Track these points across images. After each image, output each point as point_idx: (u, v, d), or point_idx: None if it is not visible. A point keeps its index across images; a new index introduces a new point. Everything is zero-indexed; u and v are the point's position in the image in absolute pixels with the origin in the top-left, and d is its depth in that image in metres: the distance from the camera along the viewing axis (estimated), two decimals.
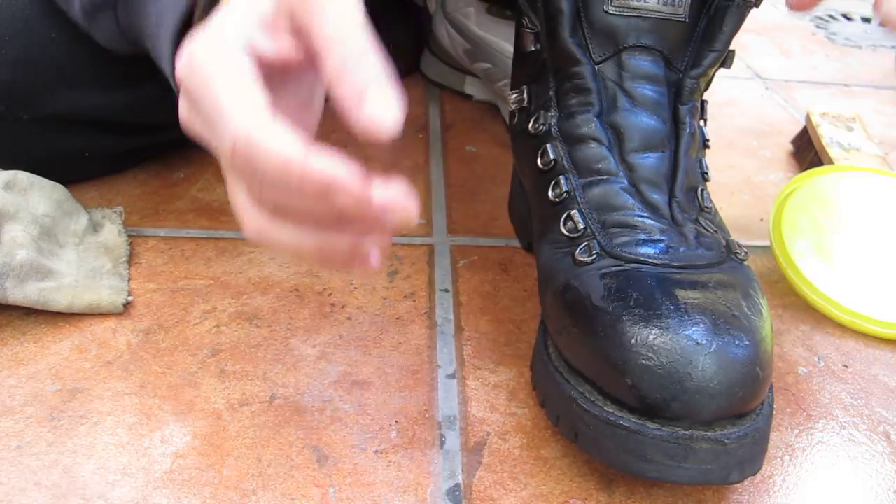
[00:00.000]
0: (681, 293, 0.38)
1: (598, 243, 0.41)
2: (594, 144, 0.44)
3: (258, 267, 0.54)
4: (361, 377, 0.45)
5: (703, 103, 0.48)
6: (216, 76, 0.33)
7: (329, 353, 0.47)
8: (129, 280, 0.51)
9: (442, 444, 0.42)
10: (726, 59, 0.47)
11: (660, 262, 0.40)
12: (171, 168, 0.63)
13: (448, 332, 0.49)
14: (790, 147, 0.76)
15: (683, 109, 0.45)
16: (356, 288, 0.52)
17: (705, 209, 0.44)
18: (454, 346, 0.48)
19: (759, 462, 0.38)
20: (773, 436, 0.44)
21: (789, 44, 1.08)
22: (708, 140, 0.47)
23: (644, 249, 0.40)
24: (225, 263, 0.54)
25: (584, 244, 0.41)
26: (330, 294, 0.52)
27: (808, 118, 0.73)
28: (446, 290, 0.53)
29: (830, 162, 0.66)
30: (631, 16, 0.44)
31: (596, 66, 0.45)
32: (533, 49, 0.47)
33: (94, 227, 0.54)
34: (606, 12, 0.44)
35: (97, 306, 0.48)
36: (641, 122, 0.44)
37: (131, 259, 0.53)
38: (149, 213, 0.58)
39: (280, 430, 0.42)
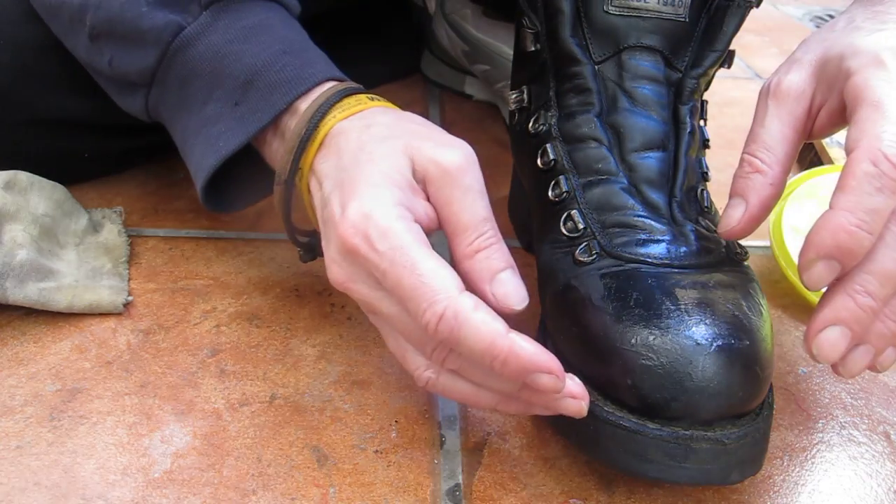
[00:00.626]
0: (681, 293, 0.38)
1: (598, 243, 0.41)
2: (594, 144, 0.44)
3: (258, 267, 0.54)
4: (361, 377, 0.45)
5: (704, 103, 0.48)
6: (409, 248, 0.35)
7: (329, 353, 0.47)
8: (129, 280, 0.51)
9: (442, 444, 0.42)
10: (727, 59, 0.47)
11: (659, 262, 0.40)
12: (171, 168, 0.63)
13: None
14: None
15: (684, 109, 0.45)
16: None
17: (705, 209, 0.44)
18: None
19: (760, 462, 0.38)
20: (773, 436, 0.44)
21: (789, 44, 1.08)
22: (708, 140, 0.47)
23: (644, 249, 0.40)
24: (225, 263, 0.54)
25: (584, 244, 0.41)
26: (330, 294, 0.52)
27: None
28: None
29: (830, 162, 0.66)
30: (631, 16, 0.44)
31: (596, 66, 0.45)
32: (533, 49, 0.47)
33: (94, 227, 0.54)
34: (606, 12, 0.44)
35: (97, 306, 0.48)
36: (641, 122, 0.44)
37: (131, 259, 0.53)
38: (149, 213, 0.58)
39: (280, 430, 0.42)
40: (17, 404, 0.42)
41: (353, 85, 0.44)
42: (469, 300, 0.34)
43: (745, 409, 0.37)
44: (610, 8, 0.44)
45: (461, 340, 0.34)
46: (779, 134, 0.38)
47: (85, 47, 0.49)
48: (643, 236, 0.41)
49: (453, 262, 0.37)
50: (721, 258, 0.41)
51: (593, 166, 0.44)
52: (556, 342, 0.41)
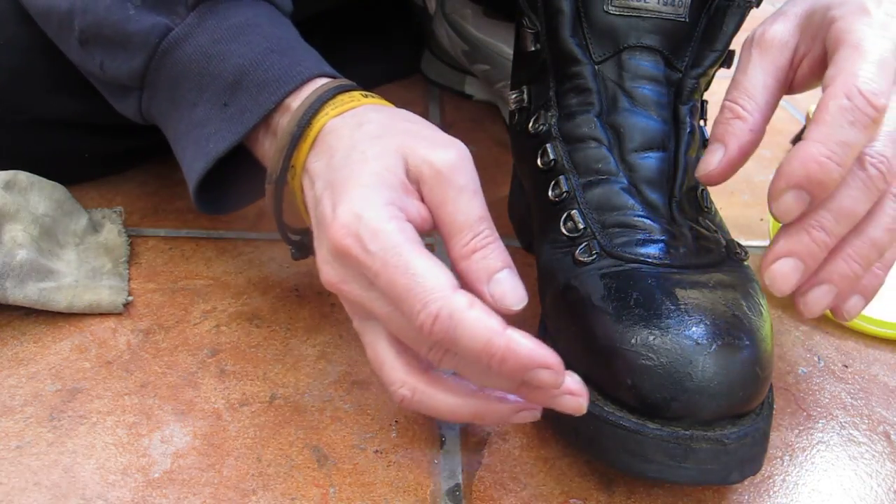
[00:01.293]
0: (681, 293, 0.38)
1: (598, 243, 0.41)
2: (594, 144, 0.44)
3: (258, 267, 0.54)
4: (361, 377, 0.45)
5: (704, 103, 0.48)
6: (401, 248, 0.34)
7: (329, 353, 0.47)
8: (129, 280, 0.51)
9: (442, 444, 0.42)
10: (727, 59, 0.47)
11: (659, 262, 0.40)
12: (171, 168, 0.63)
13: None
14: (790, 147, 0.76)
15: (684, 109, 0.45)
16: None
17: (705, 209, 0.44)
18: None
19: (760, 462, 0.38)
20: (773, 436, 0.44)
21: None
22: (708, 139, 0.47)
23: (644, 249, 0.40)
24: (225, 263, 0.54)
25: (584, 244, 0.41)
26: (330, 294, 0.52)
27: (807, 118, 0.73)
28: None
29: None
30: (631, 16, 0.44)
31: (596, 66, 0.45)
32: (533, 49, 0.47)
33: (94, 227, 0.54)
34: (606, 12, 0.44)
35: (97, 306, 0.48)
36: (641, 122, 0.44)
37: (131, 259, 0.53)
38: (149, 213, 0.58)
39: (280, 430, 0.42)
40: (17, 404, 0.42)
41: (346, 81, 0.44)
42: (463, 298, 0.33)
43: (746, 409, 0.37)
44: (610, 8, 0.44)
45: (457, 340, 0.33)
46: (761, 82, 0.38)
47: (76, 52, 0.49)
48: (643, 236, 0.41)
49: (450, 264, 0.37)
50: (721, 258, 0.41)
51: (593, 166, 0.44)
52: (556, 342, 0.41)
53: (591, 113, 0.44)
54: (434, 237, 0.58)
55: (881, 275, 0.37)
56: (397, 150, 0.38)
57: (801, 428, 0.45)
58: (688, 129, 0.44)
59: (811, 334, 0.52)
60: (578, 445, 0.39)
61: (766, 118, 0.39)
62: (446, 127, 0.74)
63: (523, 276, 0.38)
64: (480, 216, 0.38)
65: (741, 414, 0.37)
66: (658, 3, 0.44)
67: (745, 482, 0.41)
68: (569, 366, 0.40)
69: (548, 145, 0.45)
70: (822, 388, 0.48)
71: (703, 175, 0.39)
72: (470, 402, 0.37)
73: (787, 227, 0.35)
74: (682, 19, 0.44)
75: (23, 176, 0.52)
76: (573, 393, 0.35)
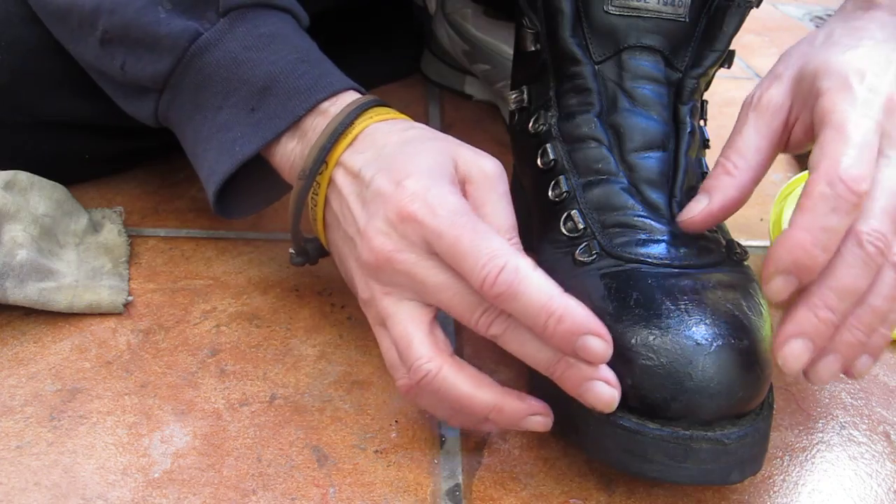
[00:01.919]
0: (681, 293, 0.38)
1: (598, 243, 0.41)
2: (594, 144, 0.44)
3: (258, 267, 0.54)
4: (361, 377, 0.45)
5: (704, 103, 0.48)
6: (468, 214, 0.37)
7: (329, 353, 0.47)
8: (129, 280, 0.51)
9: (442, 444, 0.42)
10: (727, 59, 0.47)
11: (659, 262, 0.40)
12: (172, 168, 0.63)
13: (448, 332, 0.49)
14: (792, 160, 0.76)
15: (684, 109, 0.45)
16: None
17: None
18: (454, 346, 0.48)
19: (760, 462, 0.38)
20: (773, 436, 0.44)
21: (789, 44, 1.08)
22: (708, 140, 0.47)
23: (644, 249, 0.40)
24: (225, 263, 0.54)
25: (583, 244, 0.41)
26: (330, 294, 0.52)
27: None
28: None
29: None
30: (631, 15, 0.44)
31: (596, 66, 0.45)
32: (533, 49, 0.47)
33: (94, 227, 0.54)
34: (607, 12, 0.44)
35: (97, 306, 0.48)
36: (641, 122, 0.44)
37: (131, 259, 0.53)
38: (149, 213, 0.58)
39: (280, 430, 0.42)
40: (17, 404, 0.42)
41: (379, 99, 0.46)
42: (528, 260, 0.35)
43: (746, 409, 0.37)
44: (610, 8, 0.44)
45: (519, 294, 0.34)
46: (754, 144, 0.40)
47: (94, 52, 0.49)
48: (643, 236, 0.41)
49: None
50: (721, 258, 0.41)
51: (593, 166, 0.44)
52: None
53: (592, 113, 0.44)
54: None
55: (886, 334, 0.38)
56: (447, 152, 0.41)
57: (801, 428, 0.45)
58: (688, 129, 0.44)
59: None
60: (580, 445, 0.39)
61: (755, 179, 0.40)
62: (446, 127, 0.74)
63: None
64: (513, 224, 0.40)
65: (741, 414, 0.37)
66: (658, 3, 0.44)
67: (746, 482, 0.41)
68: None
69: (548, 145, 0.45)
70: (822, 388, 0.48)
71: (682, 221, 0.41)
72: (489, 393, 0.37)
73: (792, 307, 0.37)
74: (683, 19, 0.44)
75: (23, 176, 0.52)
76: (608, 381, 0.35)
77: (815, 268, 0.35)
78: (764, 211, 0.65)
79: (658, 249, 0.40)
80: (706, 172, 0.46)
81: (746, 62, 0.99)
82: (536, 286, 0.34)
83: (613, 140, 0.44)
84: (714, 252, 0.41)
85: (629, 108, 0.44)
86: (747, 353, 0.36)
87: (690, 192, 0.44)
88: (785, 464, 0.42)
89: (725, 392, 0.36)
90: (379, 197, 0.39)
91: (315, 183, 0.43)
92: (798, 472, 0.42)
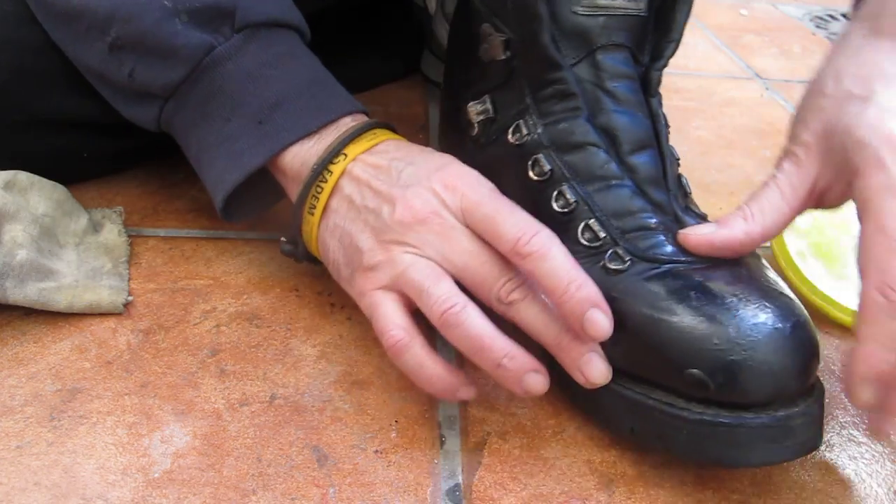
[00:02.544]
0: (730, 285, 0.39)
1: (627, 249, 0.41)
2: (592, 150, 0.43)
3: (258, 267, 0.54)
4: (361, 377, 0.45)
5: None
6: (505, 197, 0.41)
7: (329, 353, 0.47)
8: (129, 280, 0.51)
9: (442, 444, 0.42)
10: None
11: (688, 259, 0.40)
12: (172, 168, 0.63)
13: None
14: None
15: (654, 102, 0.45)
16: None
17: (689, 194, 0.45)
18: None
19: (820, 438, 0.40)
20: None
21: (789, 44, 1.08)
22: (668, 125, 0.47)
23: (671, 249, 0.41)
24: (225, 263, 0.54)
25: (609, 252, 0.41)
26: (330, 294, 0.52)
27: None
28: None
29: None
30: (600, 14, 0.44)
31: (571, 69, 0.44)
32: (502, 57, 0.46)
33: (94, 227, 0.54)
34: (575, 13, 0.43)
35: (97, 306, 0.48)
36: (629, 121, 0.44)
37: (131, 259, 0.53)
38: (149, 213, 0.58)
39: (280, 430, 0.42)
40: (17, 404, 0.42)
41: (363, 107, 0.49)
42: (556, 238, 0.39)
43: (813, 380, 0.39)
44: (578, 8, 0.43)
45: (549, 257, 0.38)
46: (776, 205, 0.41)
47: (100, 56, 0.49)
48: (663, 237, 0.41)
49: None
50: None
51: (597, 172, 0.43)
52: (610, 355, 0.40)
53: (581, 118, 0.44)
54: None
55: None
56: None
57: None
58: (662, 122, 0.45)
59: None
60: (672, 452, 0.40)
61: (765, 236, 0.41)
62: None
63: None
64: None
65: (801, 391, 0.38)
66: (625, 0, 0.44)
67: (746, 482, 0.41)
68: (631, 375, 0.40)
69: (539, 155, 0.44)
70: None
71: (681, 239, 0.41)
72: (506, 341, 0.39)
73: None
74: (643, 14, 0.44)
75: (23, 176, 0.52)
76: (600, 364, 0.39)
77: (893, 371, 0.36)
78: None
79: (680, 248, 0.41)
80: (678, 159, 0.46)
81: (746, 62, 0.99)
82: (564, 254, 0.39)
83: (609, 143, 0.44)
84: None
85: (614, 108, 0.44)
86: (805, 327, 0.38)
87: (677, 181, 0.45)
88: (785, 464, 0.42)
89: (804, 367, 0.38)
90: (415, 177, 0.42)
91: (326, 171, 0.45)
92: (798, 472, 0.42)
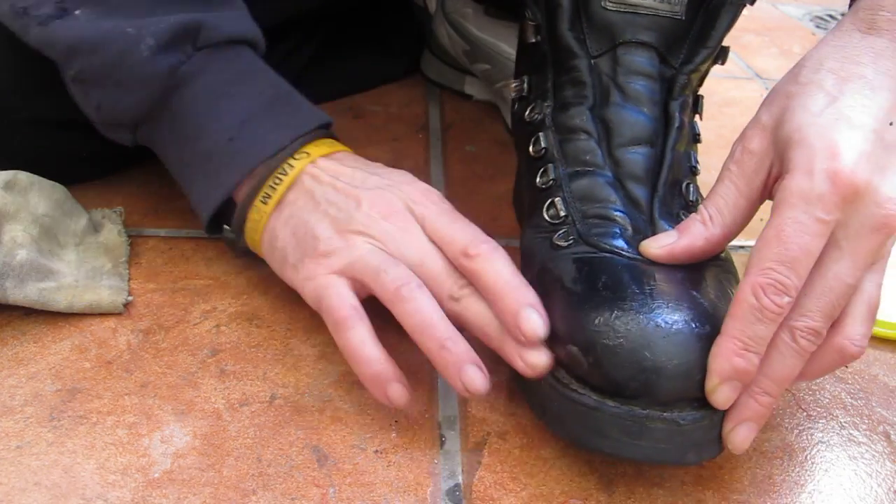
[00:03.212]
0: (648, 280, 0.39)
1: (577, 230, 0.42)
2: (584, 137, 0.45)
3: (258, 267, 0.54)
4: None
5: (699, 98, 0.48)
6: (460, 217, 0.45)
7: (329, 353, 0.47)
8: (129, 280, 0.51)
9: (442, 444, 0.42)
10: (720, 56, 0.47)
11: (631, 255, 0.41)
12: None
13: None
14: None
15: (674, 105, 0.45)
16: None
17: (690, 203, 0.45)
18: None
19: (718, 446, 0.39)
20: (773, 436, 0.44)
21: (789, 44, 1.08)
22: (699, 135, 0.48)
23: (618, 242, 0.41)
24: (225, 263, 0.54)
25: (563, 230, 0.42)
26: None
27: None
28: None
29: None
30: (628, 12, 0.44)
31: (592, 61, 0.45)
32: (534, 41, 0.48)
33: (94, 227, 0.54)
34: (604, 8, 0.45)
35: (97, 306, 0.48)
36: (631, 117, 0.44)
37: (131, 259, 0.53)
38: (149, 213, 0.58)
39: (280, 430, 0.42)
40: (17, 404, 0.42)
41: (328, 118, 0.50)
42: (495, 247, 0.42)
43: (705, 394, 0.38)
44: (608, 4, 0.44)
45: (494, 261, 0.40)
46: (732, 201, 0.41)
47: (69, 86, 0.49)
48: (619, 230, 0.42)
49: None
50: None
51: (581, 157, 0.44)
52: None
53: (584, 105, 0.45)
54: None
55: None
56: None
57: (801, 428, 0.45)
58: (676, 125, 0.45)
59: None
60: (546, 421, 0.41)
61: (727, 236, 0.41)
62: (446, 127, 0.74)
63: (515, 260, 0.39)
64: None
65: (701, 398, 0.37)
66: (655, 0, 0.44)
67: (746, 482, 0.41)
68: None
69: (540, 134, 0.46)
70: (822, 388, 0.48)
71: (643, 250, 0.41)
72: (448, 324, 0.41)
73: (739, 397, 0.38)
74: (679, 17, 0.45)
75: (23, 176, 0.52)
76: (540, 352, 0.39)
77: (753, 371, 0.37)
78: (764, 211, 0.65)
79: (633, 244, 0.41)
80: (695, 167, 0.47)
81: (746, 62, 0.99)
82: (507, 261, 0.41)
83: (602, 134, 0.45)
84: None
85: (620, 102, 0.45)
86: (708, 340, 0.37)
87: (675, 187, 0.44)
88: (785, 464, 0.42)
89: (683, 375, 0.36)
90: (381, 184, 0.45)
91: (287, 164, 0.46)
92: (798, 472, 0.42)
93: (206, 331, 0.48)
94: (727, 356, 0.36)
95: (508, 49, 0.70)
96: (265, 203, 0.46)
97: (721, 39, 0.46)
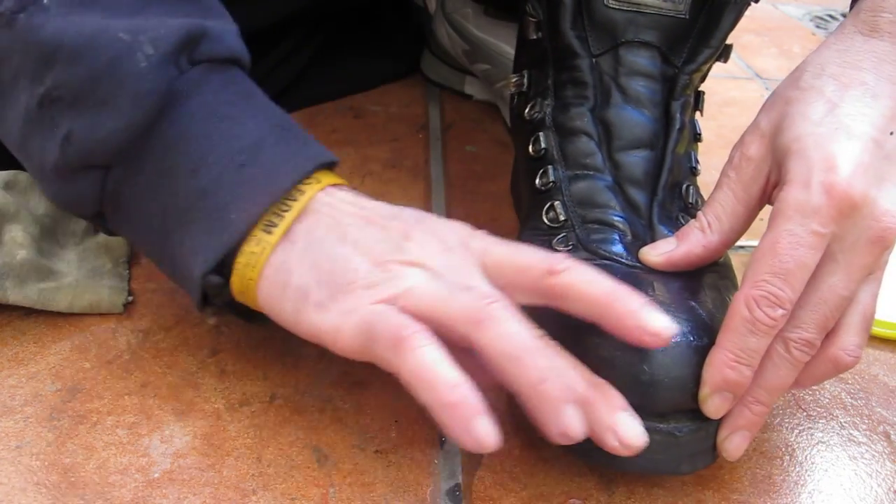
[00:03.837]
0: (646, 289, 0.38)
1: (576, 236, 0.42)
2: (585, 139, 0.44)
3: None
4: (361, 377, 0.45)
5: (700, 94, 0.48)
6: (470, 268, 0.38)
7: (329, 354, 0.47)
8: (129, 280, 0.51)
9: (442, 444, 0.42)
10: (723, 54, 0.47)
11: (630, 263, 0.40)
12: None
13: None
14: None
15: (675, 105, 0.45)
16: None
17: (690, 205, 0.44)
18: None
19: (712, 455, 0.39)
20: (773, 436, 0.44)
21: (789, 44, 1.08)
22: (700, 133, 0.48)
23: (617, 248, 0.41)
24: None
25: (562, 235, 0.42)
26: None
27: None
28: None
29: None
30: (630, 10, 0.44)
31: (594, 60, 0.45)
32: (534, 37, 0.47)
33: (94, 227, 0.54)
34: (606, 6, 0.44)
35: (97, 306, 0.48)
36: (631, 119, 0.44)
37: (131, 259, 0.53)
38: None
39: (280, 430, 0.42)
40: (17, 404, 0.42)
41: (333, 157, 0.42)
42: (510, 306, 0.35)
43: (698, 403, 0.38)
44: (611, 2, 0.44)
45: (582, 273, 0.36)
46: (730, 208, 0.40)
47: (24, 118, 0.38)
48: (618, 236, 0.41)
49: None
50: None
51: (581, 160, 0.44)
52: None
53: (585, 106, 0.45)
54: None
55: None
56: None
57: (801, 428, 0.45)
58: (677, 126, 0.45)
59: None
60: (543, 433, 0.40)
61: (726, 243, 0.41)
62: (446, 127, 0.74)
63: None
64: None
65: (697, 408, 0.37)
66: None
67: (746, 482, 0.41)
68: None
69: (540, 134, 0.46)
70: (822, 387, 0.48)
71: (643, 257, 0.41)
72: (458, 374, 0.34)
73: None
74: (683, 16, 0.44)
75: (23, 176, 0.52)
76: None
77: (745, 383, 0.36)
78: (764, 211, 0.65)
79: (632, 250, 0.41)
80: (695, 167, 0.46)
81: (746, 62, 0.99)
82: (588, 268, 0.36)
83: (603, 136, 0.44)
84: None
85: (621, 103, 0.44)
86: (704, 352, 0.37)
87: (675, 189, 0.44)
88: (785, 464, 0.42)
89: (680, 388, 0.36)
90: (423, 215, 0.40)
91: (296, 189, 0.38)
92: (798, 472, 0.42)
93: (206, 331, 0.48)
94: (719, 368, 0.36)
95: (508, 49, 0.70)
96: (269, 233, 0.37)
97: (724, 39, 0.46)
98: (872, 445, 0.44)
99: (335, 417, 0.43)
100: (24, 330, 0.47)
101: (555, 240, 0.42)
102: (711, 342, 0.37)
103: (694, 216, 0.43)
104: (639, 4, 0.44)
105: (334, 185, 0.40)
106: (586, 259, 0.40)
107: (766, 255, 0.36)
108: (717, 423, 0.38)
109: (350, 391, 0.44)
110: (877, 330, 0.52)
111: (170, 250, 0.40)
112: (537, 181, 0.45)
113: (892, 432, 0.45)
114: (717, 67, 0.49)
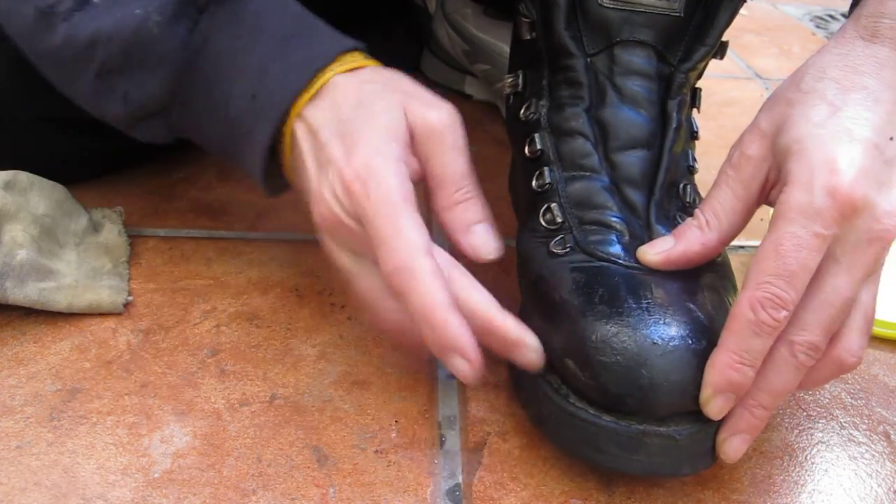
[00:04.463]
0: (645, 292, 0.38)
1: (574, 237, 0.42)
2: (581, 139, 0.44)
3: (258, 267, 0.54)
4: (361, 377, 0.45)
5: (696, 91, 0.48)
6: (396, 203, 0.39)
7: (329, 353, 0.47)
8: (129, 280, 0.51)
9: (442, 444, 0.42)
10: (719, 51, 0.47)
11: (629, 263, 0.40)
12: (171, 168, 0.63)
13: None
14: None
15: (672, 104, 0.45)
16: None
17: (687, 204, 0.44)
18: None
19: (712, 457, 0.39)
20: (774, 436, 0.44)
21: (789, 44, 1.08)
22: (697, 131, 0.47)
23: (615, 249, 0.41)
24: (225, 263, 0.54)
25: (559, 237, 0.42)
26: (330, 294, 0.52)
27: None
28: None
29: None
30: (625, 9, 0.44)
31: (588, 59, 0.45)
32: (528, 38, 0.47)
33: (94, 227, 0.54)
34: (601, 5, 0.44)
35: (97, 306, 0.48)
36: (628, 118, 0.44)
37: (131, 259, 0.53)
38: (149, 213, 0.58)
39: (280, 430, 0.42)
40: (17, 404, 0.42)
41: (351, 42, 0.46)
42: (429, 265, 0.37)
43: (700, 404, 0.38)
44: (605, 1, 0.44)
45: (410, 294, 0.37)
46: (729, 206, 0.40)
47: (91, 87, 0.47)
48: (616, 237, 0.41)
49: (434, 213, 0.42)
50: None
51: (577, 161, 0.44)
52: (531, 328, 0.41)
53: (581, 107, 0.45)
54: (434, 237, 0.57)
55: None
56: (398, 108, 0.41)
57: (801, 428, 0.45)
58: (674, 125, 0.45)
59: None
60: (545, 433, 0.41)
61: (724, 241, 0.41)
62: None
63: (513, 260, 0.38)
64: (465, 173, 0.42)
65: (696, 411, 0.37)
66: None
67: (746, 482, 0.41)
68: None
69: (536, 135, 0.46)
70: (822, 388, 0.48)
71: (641, 257, 0.41)
72: (452, 315, 0.38)
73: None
74: (677, 14, 0.44)
75: (23, 176, 0.52)
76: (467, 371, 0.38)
77: (748, 384, 0.37)
78: (764, 211, 0.65)
79: (630, 250, 0.41)
80: (692, 165, 0.46)
81: (746, 62, 0.99)
82: (422, 294, 0.37)
83: (599, 136, 0.44)
84: None
85: (617, 103, 0.44)
86: (703, 355, 0.37)
87: (672, 188, 0.44)
88: (785, 464, 0.42)
89: (679, 391, 0.36)
90: (330, 164, 0.41)
91: (280, 132, 0.44)
92: (798, 472, 0.42)
93: (206, 331, 0.48)
94: (722, 369, 0.36)
95: (508, 49, 0.70)
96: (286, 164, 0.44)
97: (720, 36, 0.46)
98: (872, 445, 0.44)
99: (335, 417, 0.43)
100: (24, 330, 0.47)
101: (552, 242, 0.42)
102: (710, 345, 0.37)
103: (692, 215, 0.43)
104: (633, 3, 0.44)
105: (309, 101, 0.43)
106: (584, 261, 0.40)
107: (768, 256, 0.36)
108: (718, 425, 0.38)
109: (350, 391, 0.44)
110: (877, 330, 0.52)
111: (236, 164, 0.47)
112: (534, 183, 0.45)
113: (892, 432, 0.45)
114: (717, 67, 0.49)
